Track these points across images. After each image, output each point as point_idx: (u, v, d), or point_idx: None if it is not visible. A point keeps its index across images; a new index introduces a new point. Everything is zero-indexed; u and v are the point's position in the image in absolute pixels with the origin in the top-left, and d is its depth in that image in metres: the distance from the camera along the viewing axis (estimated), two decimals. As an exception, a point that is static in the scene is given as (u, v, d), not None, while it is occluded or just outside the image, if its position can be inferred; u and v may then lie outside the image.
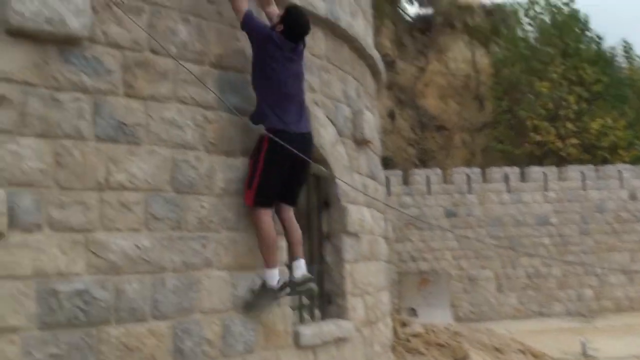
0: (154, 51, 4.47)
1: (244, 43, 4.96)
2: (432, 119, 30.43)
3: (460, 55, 30.29)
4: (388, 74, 8.41)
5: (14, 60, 3.92)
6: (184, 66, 4.49)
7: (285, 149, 4.50)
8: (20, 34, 3.91)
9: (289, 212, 4.93)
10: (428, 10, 31.90)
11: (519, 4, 31.12)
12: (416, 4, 32.50)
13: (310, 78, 5.81)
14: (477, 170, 23.32)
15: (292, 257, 4.93)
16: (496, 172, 23.10)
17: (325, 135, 5.98)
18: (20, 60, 3.93)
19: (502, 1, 32.17)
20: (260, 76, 4.71)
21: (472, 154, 29.99)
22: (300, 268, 4.78)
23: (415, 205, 22.18)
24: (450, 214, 22.40)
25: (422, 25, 31.27)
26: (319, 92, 5.96)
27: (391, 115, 28.93)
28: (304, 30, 4.84)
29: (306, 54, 5.70)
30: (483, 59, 30.41)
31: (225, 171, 4.82)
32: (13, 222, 3.79)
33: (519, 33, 30.42)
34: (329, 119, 6.07)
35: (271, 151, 4.58)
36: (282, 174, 4.70)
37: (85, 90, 4.15)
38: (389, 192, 20.94)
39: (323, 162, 5.97)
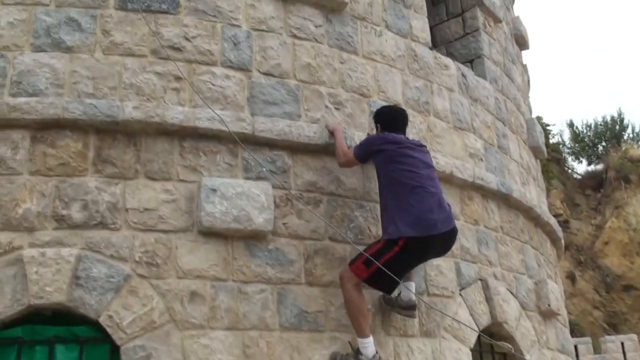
0: (332, 238, 4.62)
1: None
2: (617, 279, 28.19)
3: (641, 209, 28.46)
4: (563, 235, 8.01)
5: (205, 257, 4.20)
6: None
7: (423, 251, 4.34)
8: (211, 233, 4.22)
9: None
10: (598, 167, 30.82)
11: (699, 150, 29.27)
12: (584, 162, 31.58)
13: (488, 252, 5.67)
14: (680, 334, 20.87)
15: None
16: (703, 334, 20.53)
17: (509, 310, 5.67)
18: (210, 257, 4.21)
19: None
20: (392, 184, 4.37)
21: (671, 314, 27.05)
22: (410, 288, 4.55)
23: (611, 376, 20.00)
24: (654, 386, 19.89)
25: (593, 182, 30.11)
26: (498, 266, 5.77)
27: (571, 277, 27.22)
28: (402, 115, 4.80)
29: (480, 227, 5.65)
30: (667, 211, 28.30)
31: (408, 354, 4.68)
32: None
33: None
34: (510, 292, 5.79)
35: (406, 250, 4.22)
36: (407, 270, 4.45)
37: (269, 281, 4.31)
38: (578, 363, 19.14)
39: (509, 339, 5.63)
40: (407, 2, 5.97)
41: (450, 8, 7.36)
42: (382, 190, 4.49)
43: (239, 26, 4.88)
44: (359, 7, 5.53)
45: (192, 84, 4.54)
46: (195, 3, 4.79)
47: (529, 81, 8.67)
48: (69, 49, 4.40)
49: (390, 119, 4.73)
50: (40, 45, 4.39)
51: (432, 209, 4.28)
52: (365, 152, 4.53)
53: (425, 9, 6.20)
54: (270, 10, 5.06)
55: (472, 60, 6.91)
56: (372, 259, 4.16)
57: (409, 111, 5.46)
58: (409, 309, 4.49)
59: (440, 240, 4.36)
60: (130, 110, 4.26)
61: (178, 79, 4.52)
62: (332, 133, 4.78)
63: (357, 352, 4.25)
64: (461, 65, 6.33)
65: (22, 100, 4.17)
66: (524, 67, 8.45)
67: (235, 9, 4.91)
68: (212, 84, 4.61)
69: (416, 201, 4.25)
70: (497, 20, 7.34)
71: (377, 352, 4.24)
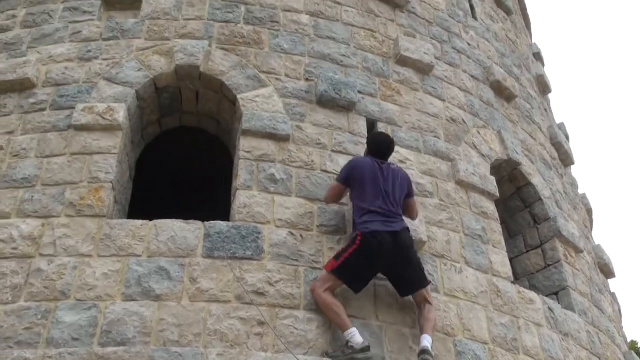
0: None
1: None
2: None
3: None
4: None
5: None
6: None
7: (375, 248, 4.75)
8: None
9: (421, 295, 4.95)
10: None
11: None
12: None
13: None
14: None
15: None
16: None
17: None
18: None
19: None
20: (355, 196, 5.08)
21: None
22: (422, 342, 4.65)
23: None
24: None
25: None
26: None
27: None
28: (387, 145, 5.40)
29: None
30: None
31: None
32: None
33: None
34: None
35: (362, 245, 4.76)
36: (369, 269, 4.84)
37: None
38: None
39: None
40: (484, 238, 6.02)
41: (528, 240, 7.36)
42: (353, 203, 5.16)
43: (319, 269, 4.98)
44: (437, 245, 5.61)
45: (275, 328, 4.55)
46: (279, 249, 4.98)
47: (620, 310, 8.30)
48: (157, 298, 4.55)
49: (373, 146, 5.43)
50: (131, 294, 4.56)
51: (380, 221, 4.89)
52: (343, 176, 5.21)
53: (503, 243, 6.23)
54: (350, 252, 5.17)
55: (557, 292, 6.72)
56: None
57: (497, 349, 5.26)
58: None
59: (392, 240, 4.81)
60: (214, 357, 4.26)
61: (261, 323, 4.55)
62: None
63: (347, 344, 4.52)
64: (547, 299, 6.16)
65: (110, 350, 4.24)
66: (613, 295, 8.15)
67: (316, 252, 5.07)
68: (295, 328, 4.61)
69: (367, 217, 4.90)
70: (578, 250, 7.25)
71: (365, 340, 4.53)
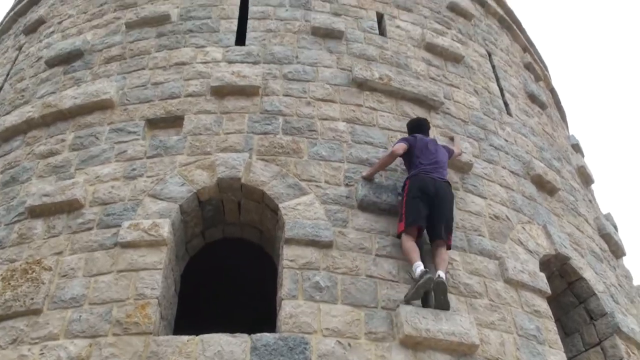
0: None
1: None
2: None
3: None
4: None
5: None
6: None
7: (420, 184, 5.94)
8: None
9: (439, 245, 5.83)
10: None
11: None
12: None
13: None
14: None
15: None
16: None
17: None
18: None
19: None
20: (406, 164, 6.41)
21: None
22: (438, 274, 5.50)
23: None
24: None
25: None
26: None
27: None
28: (417, 123, 6.82)
29: None
30: None
31: None
32: None
33: None
34: None
35: (410, 189, 5.96)
36: (422, 203, 5.85)
37: None
38: None
39: None
40: (540, 338, 5.79)
41: (585, 338, 7.04)
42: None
43: (371, 379, 4.82)
44: (491, 348, 5.41)
45: None
46: (327, 359, 4.85)
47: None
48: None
49: (410, 126, 6.89)
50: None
51: (423, 171, 6.10)
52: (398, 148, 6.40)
53: (559, 343, 5.97)
54: (401, 359, 5.01)
55: (624, 390, 6.36)
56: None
57: None
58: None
59: (432, 182, 5.99)
60: None
61: None
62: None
63: (412, 279, 5.51)
64: (612, 401, 5.81)
65: None
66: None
67: (365, 361, 4.93)
68: None
69: (414, 166, 6.19)
70: (640, 346, 6.91)
71: (425, 269, 5.38)
